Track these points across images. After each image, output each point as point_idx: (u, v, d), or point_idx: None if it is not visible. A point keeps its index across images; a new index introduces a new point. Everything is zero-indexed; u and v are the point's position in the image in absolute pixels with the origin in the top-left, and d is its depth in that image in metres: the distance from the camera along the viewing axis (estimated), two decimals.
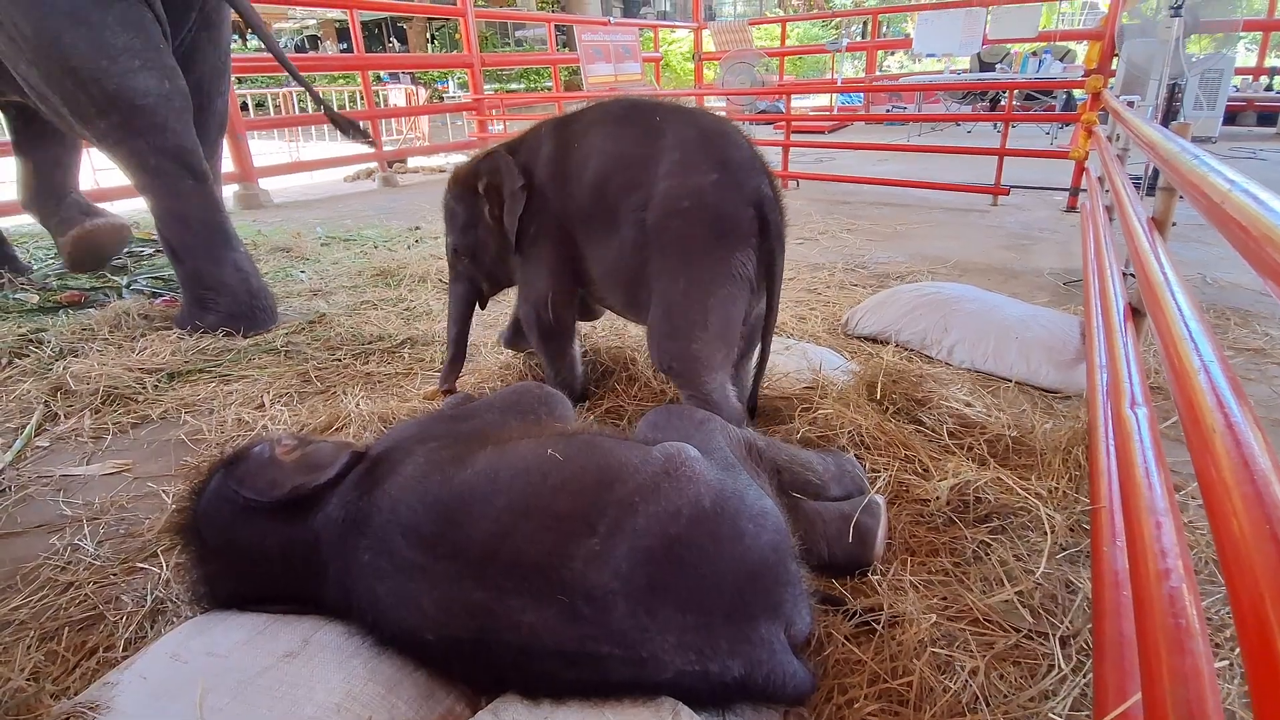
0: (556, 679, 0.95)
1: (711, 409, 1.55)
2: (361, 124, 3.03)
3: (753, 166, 1.56)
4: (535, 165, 1.77)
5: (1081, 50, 9.48)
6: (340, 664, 1.01)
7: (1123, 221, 1.89)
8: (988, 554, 1.34)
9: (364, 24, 6.89)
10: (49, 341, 2.62)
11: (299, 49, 19.60)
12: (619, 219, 1.62)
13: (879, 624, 1.16)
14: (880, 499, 1.36)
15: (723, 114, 9.52)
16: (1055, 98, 8.23)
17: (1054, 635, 1.14)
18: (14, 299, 3.23)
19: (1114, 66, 5.13)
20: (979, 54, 8.73)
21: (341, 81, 12.17)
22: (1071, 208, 4.57)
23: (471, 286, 2.00)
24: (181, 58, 2.68)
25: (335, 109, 2.48)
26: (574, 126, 1.75)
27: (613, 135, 1.66)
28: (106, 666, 1.19)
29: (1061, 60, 9.06)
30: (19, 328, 2.76)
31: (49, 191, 3.47)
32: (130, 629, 1.29)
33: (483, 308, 2.04)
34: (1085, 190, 4.47)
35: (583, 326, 2.27)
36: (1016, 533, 1.40)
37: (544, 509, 1.02)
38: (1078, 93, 7.57)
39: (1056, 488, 1.50)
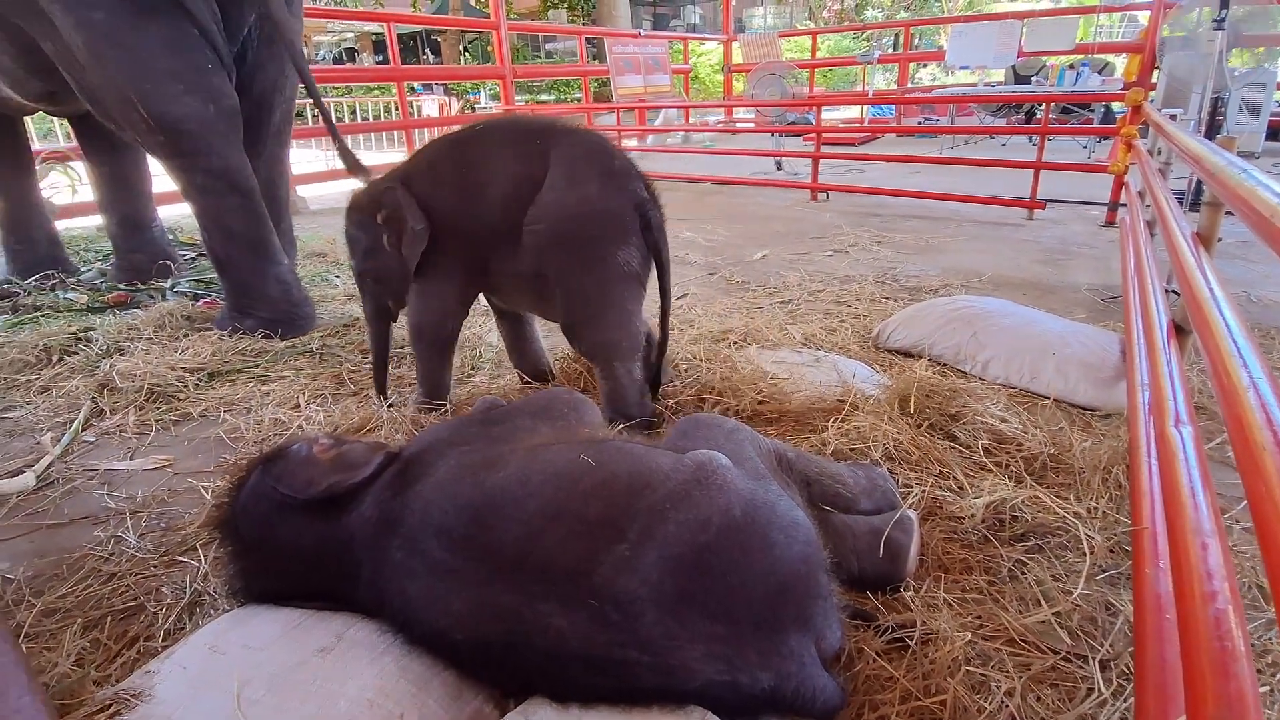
0: (584, 684, 0.95)
1: (621, 390, 1.83)
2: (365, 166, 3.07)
3: (629, 174, 1.78)
4: (434, 191, 1.86)
5: (1120, 63, 9.31)
6: (372, 660, 1.03)
7: (1166, 237, 1.84)
8: (1024, 573, 1.31)
9: (399, 37, 7.07)
10: (97, 340, 2.72)
11: (337, 61, 20.10)
12: (519, 231, 1.78)
13: (911, 641, 1.14)
14: (913, 514, 1.34)
15: (751, 125, 9.51)
16: (1093, 111, 8.07)
17: (1094, 658, 1.11)
18: (64, 299, 3.36)
19: (1154, 80, 5.03)
20: (1014, 66, 8.62)
21: (377, 92, 12.46)
22: (1110, 223, 4.48)
23: (380, 305, 2.05)
24: (241, 72, 2.74)
25: (348, 146, 2.50)
26: (467, 149, 1.88)
27: (506, 156, 1.82)
28: (146, 656, 1.22)
29: (1100, 73, 8.90)
30: (69, 326, 2.87)
31: (126, 212, 3.61)
32: (170, 620, 1.32)
33: (394, 321, 2.13)
34: (1125, 205, 4.38)
35: None
36: (1054, 553, 1.36)
37: (575, 514, 1.02)
38: (1116, 106, 7.42)
39: (1096, 507, 1.47)
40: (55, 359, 2.61)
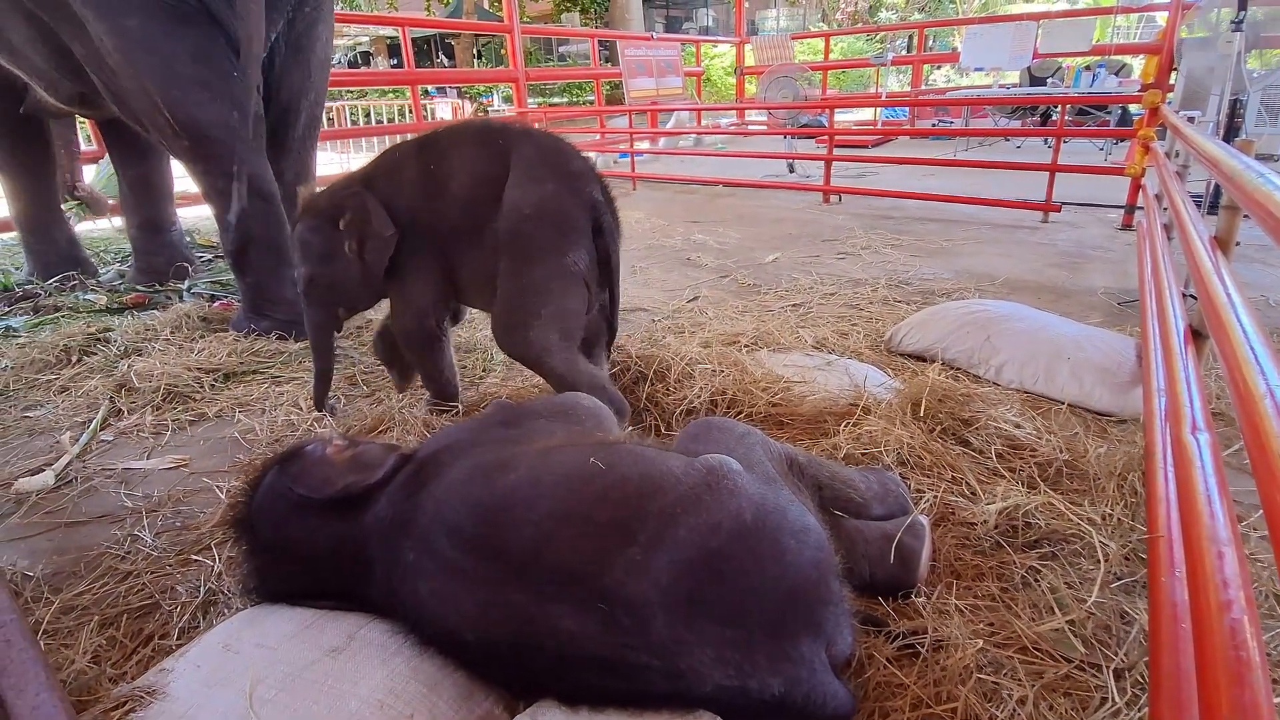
0: (594, 687, 0.95)
1: (565, 384, 1.81)
2: None
3: (586, 176, 1.82)
4: (400, 193, 1.87)
5: (1138, 65, 9.20)
6: (383, 661, 1.03)
7: (1183, 240, 1.82)
8: (1037, 580, 1.30)
9: (414, 40, 7.12)
10: (115, 341, 2.76)
11: (352, 64, 20.30)
12: (483, 231, 1.81)
13: (923, 648, 1.13)
14: (925, 520, 1.33)
15: (764, 127, 9.48)
16: (1110, 113, 7.99)
17: (1108, 667, 1.10)
18: (84, 300, 3.41)
19: (1172, 81, 4.96)
20: (1029, 68, 8.55)
21: (391, 95, 12.56)
22: (1126, 226, 4.43)
23: (329, 314, 2.02)
24: (268, 79, 2.78)
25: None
26: (432, 153, 1.88)
27: (471, 158, 1.84)
28: (161, 654, 1.24)
29: (1117, 74, 8.81)
30: (88, 327, 2.91)
31: (148, 215, 3.68)
32: (184, 618, 1.34)
33: (338, 332, 2.12)
34: (1142, 208, 4.32)
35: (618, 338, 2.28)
36: (1068, 560, 1.35)
37: (586, 516, 1.02)
38: (1134, 108, 7.34)
39: (1110, 514, 1.45)
40: (75, 359, 2.66)
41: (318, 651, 1.05)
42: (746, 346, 2.49)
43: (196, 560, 1.51)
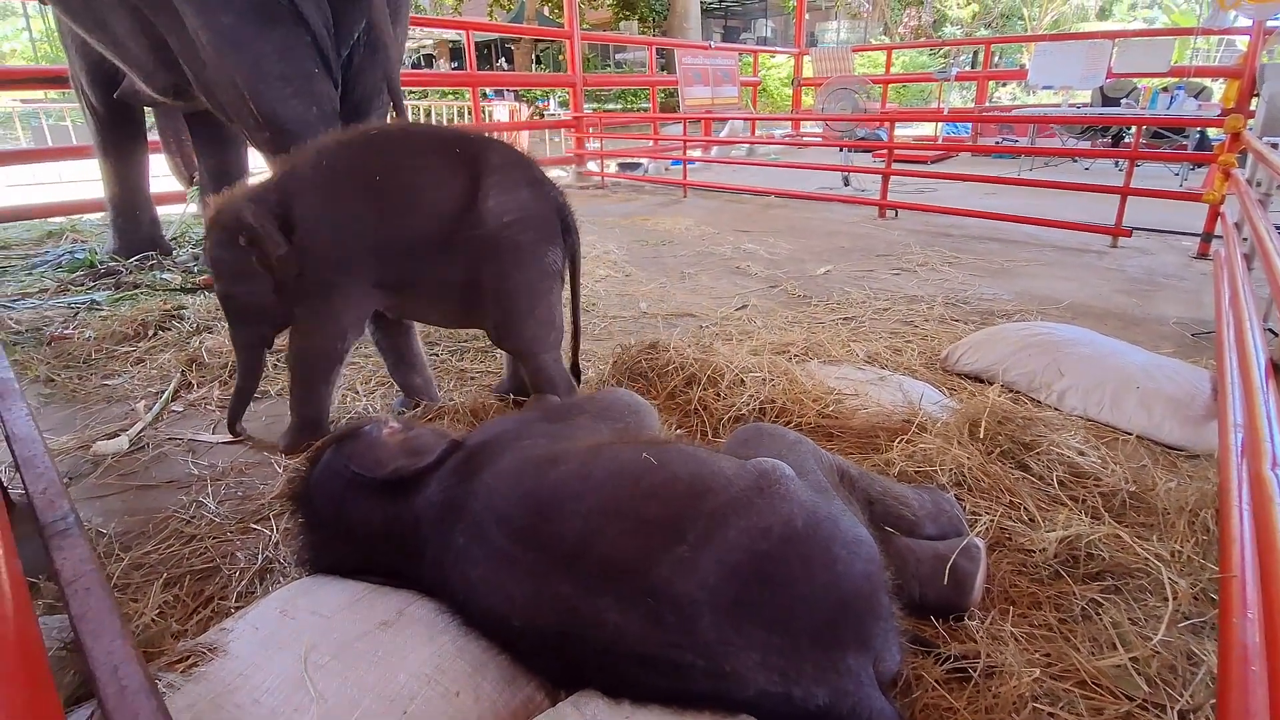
0: (637, 681, 0.95)
1: (549, 380, 1.94)
2: None
3: (548, 182, 1.89)
4: (329, 199, 1.75)
5: (1217, 88, 8.78)
6: (431, 639, 1.06)
7: (1267, 271, 1.73)
8: (1098, 614, 1.25)
9: (476, 44, 7.30)
10: (188, 318, 2.90)
11: (415, 66, 20.86)
12: (454, 239, 1.78)
13: (974, 672, 1.10)
14: (980, 542, 1.29)
15: (819, 139, 9.36)
16: (1187, 137, 7.65)
17: (1172, 708, 1.04)
18: (161, 279, 3.60)
19: (1253, 106, 4.73)
20: (1102, 88, 8.24)
21: (451, 97, 12.88)
22: (1202, 254, 4.22)
23: (255, 332, 1.90)
24: (345, 77, 2.91)
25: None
26: (373, 156, 1.78)
27: (434, 167, 1.80)
28: (220, 615, 1.29)
29: (1196, 97, 8.43)
30: (164, 304, 3.06)
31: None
32: (242, 583, 1.39)
33: (269, 349, 1.98)
34: (1220, 236, 4.12)
35: (668, 338, 2.28)
36: (1132, 595, 1.29)
37: (635, 512, 1.03)
38: (1213, 132, 7.01)
39: (1180, 551, 1.38)
40: (150, 333, 2.80)
41: (369, 624, 1.08)
42: (796, 357, 2.46)
43: (255, 529, 1.58)
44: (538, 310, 1.88)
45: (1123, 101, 8.27)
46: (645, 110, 12.32)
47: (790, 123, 11.09)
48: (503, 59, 20.70)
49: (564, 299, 1.99)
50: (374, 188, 1.76)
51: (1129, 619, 1.23)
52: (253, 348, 1.91)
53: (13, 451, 1.36)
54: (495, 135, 1.97)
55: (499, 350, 2.63)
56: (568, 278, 1.98)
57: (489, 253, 1.80)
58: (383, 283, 1.83)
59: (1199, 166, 6.54)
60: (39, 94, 9.73)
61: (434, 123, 11.48)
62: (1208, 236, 4.25)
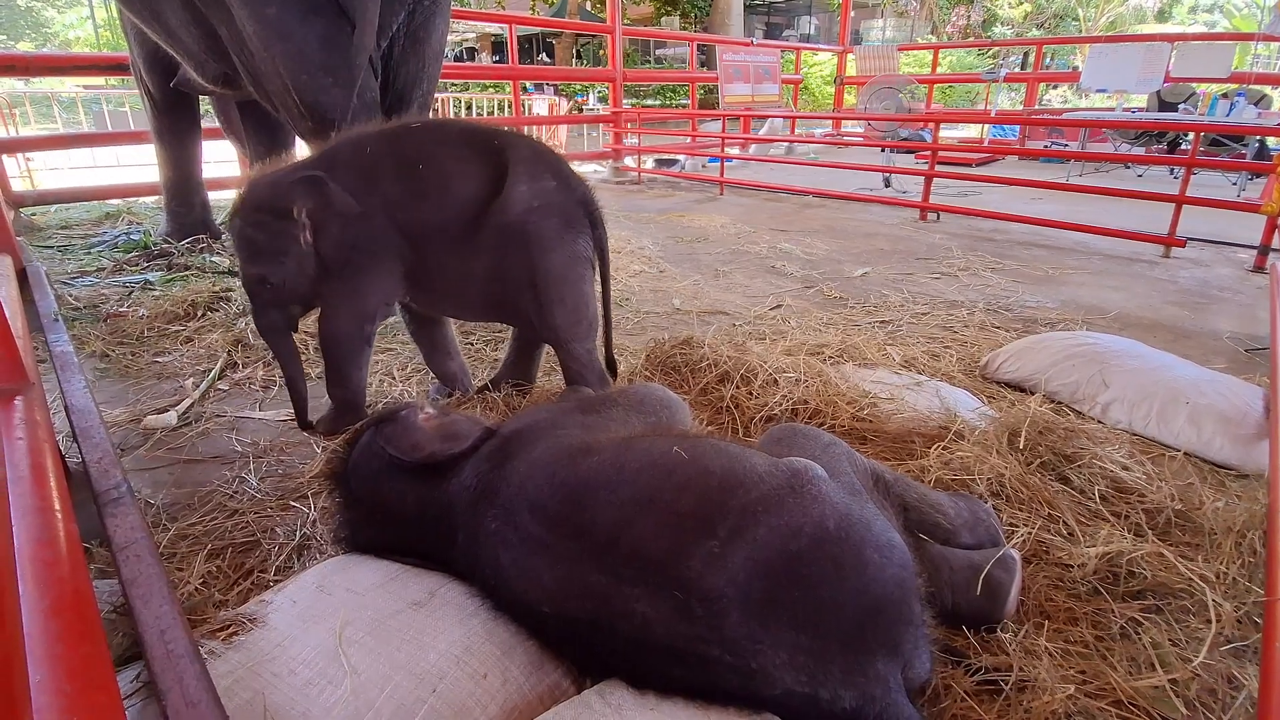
0: (664, 673, 0.96)
1: (584, 369, 1.96)
2: None
3: (574, 175, 1.90)
4: (367, 186, 1.77)
5: (1278, 96, 8.39)
6: (461, 620, 1.08)
7: None
8: (1137, 633, 1.21)
9: (517, 38, 7.33)
10: (235, 300, 2.99)
11: (457, 59, 21.14)
12: (480, 227, 1.80)
13: (1006, 685, 1.08)
14: (1016, 554, 1.26)
15: (860, 139, 9.21)
16: (1246, 145, 7.33)
17: None
18: (210, 261, 3.72)
19: None
20: (1159, 92, 7.95)
21: (492, 90, 13.02)
22: (1259, 267, 4.04)
23: (284, 316, 1.88)
24: (386, 67, 2.96)
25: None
26: (415, 148, 1.82)
27: (464, 157, 1.83)
28: (260, 587, 1.34)
29: (1256, 105, 8.07)
30: (213, 286, 3.17)
31: None
32: (281, 558, 1.44)
33: (295, 331, 1.96)
34: (1278, 249, 3.94)
35: (702, 335, 2.28)
36: (1174, 615, 1.25)
37: (667, 504, 1.03)
38: (1272, 141, 6.71)
39: (1225, 572, 1.33)
40: (199, 314, 2.90)
41: (401, 603, 1.10)
42: (830, 359, 2.43)
43: (294, 506, 1.62)
44: (566, 297, 1.88)
45: (1180, 107, 7.98)
46: (684, 106, 12.28)
47: (831, 121, 10.94)
48: (544, 53, 20.83)
49: (595, 292, 2.00)
50: (405, 173, 1.80)
51: (1169, 639, 1.19)
52: (279, 331, 1.90)
53: (71, 422, 1.43)
54: (528, 130, 1.99)
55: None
56: (597, 271, 1.98)
57: (516, 241, 1.80)
58: (409, 271, 1.85)
59: (1257, 176, 6.26)
60: (101, 80, 10.10)
61: (475, 116, 11.62)
62: (1265, 249, 4.07)
